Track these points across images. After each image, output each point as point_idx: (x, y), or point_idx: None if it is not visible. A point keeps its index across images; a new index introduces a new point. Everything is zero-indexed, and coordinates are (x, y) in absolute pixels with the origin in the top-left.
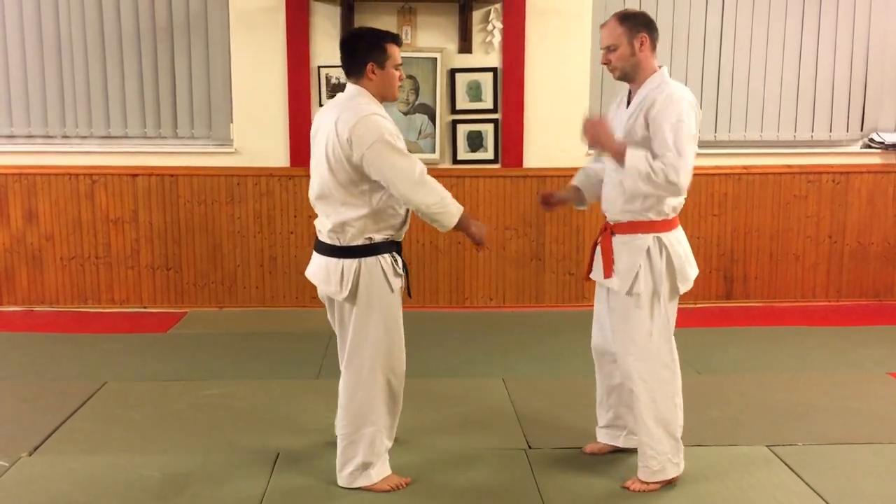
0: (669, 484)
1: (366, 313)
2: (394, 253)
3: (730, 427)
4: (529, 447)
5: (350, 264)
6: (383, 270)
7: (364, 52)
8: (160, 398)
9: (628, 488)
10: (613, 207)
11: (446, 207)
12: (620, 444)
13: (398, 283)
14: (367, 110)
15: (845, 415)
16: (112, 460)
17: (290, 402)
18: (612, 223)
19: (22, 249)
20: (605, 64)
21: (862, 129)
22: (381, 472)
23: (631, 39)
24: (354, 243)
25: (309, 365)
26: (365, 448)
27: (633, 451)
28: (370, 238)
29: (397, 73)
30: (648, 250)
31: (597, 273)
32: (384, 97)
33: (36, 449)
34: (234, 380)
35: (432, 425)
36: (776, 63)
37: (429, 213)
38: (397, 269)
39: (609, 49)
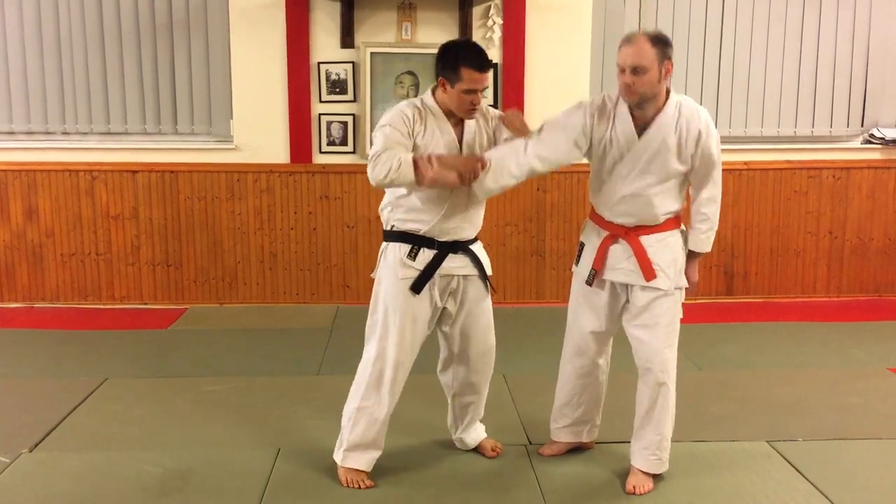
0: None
1: (375, 294)
2: (416, 246)
3: (730, 423)
4: (529, 442)
5: (383, 247)
6: (396, 258)
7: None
8: (161, 394)
9: (635, 492)
10: (628, 220)
11: (400, 168)
12: (584, 438)
13: (406, 274)
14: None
15: (845, 410)
16: (113, 456)
17: (290, 398)
18: (632, 226)
19: (22, 246)
20: (626, 85)
21: (862, 125)
22: (350, 458)
23: (661, 65)
24: (386, 228)
25: (310, 361)
26: (346, 423)
27: (592, 445)
28: (393, 225)
29: (467, 98)
30: (679, 247)
31: (619, 275)
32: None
33: (37, 445)
34: (234, 376)
35: (433, 421)
36: (776, 58)
37: (393, 182)
38: (409, 261)
39: (635, 70)
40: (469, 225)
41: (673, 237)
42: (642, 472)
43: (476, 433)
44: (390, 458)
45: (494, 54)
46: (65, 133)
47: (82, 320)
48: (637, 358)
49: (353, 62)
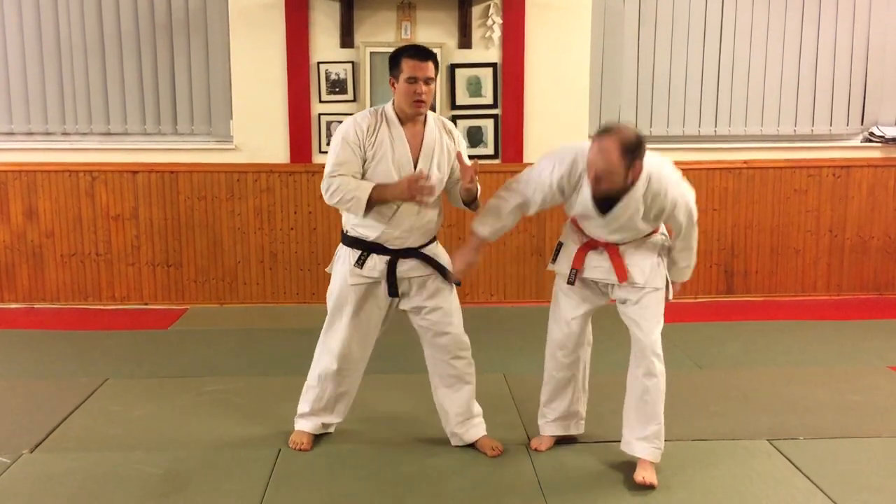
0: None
1: (330, 287)
2: (364, 253)
3: (730, 421)
4: (530, 441)
5: (338, 248)
6: (346, 263)
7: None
8: (161, 395)
9: (646, 483)
10: (621, 238)
11: (352, 202)
12: (572, 431)
13: (355, 280)
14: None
15: (846, 409)
16: (113, 457)
17: (291, 398)
18: (610, 242)
19: (22, 246)
20: (594, 182)
21: (862, 123)
22: (303, 423)
23: (626, 173)
24: (343, 230)
25: (310, 361)
26: (302, 398)
27: (577, 437)
28: (347, 230)
29: (411, 87)
30: (661, 246)
31: (598, 273)
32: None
33: (37, 446)
34: (234, 376)
35: (433, 420)
36: (776, 57)
37: (344, 209)
38: (357, 269)
39: (599, 176)
40: (419, 234)
41: (651, 240)
42: (650, 462)
43: (475, 429)
44: (390, 458)
45: (494, 54)
46: (65, 134)
47: (82, 321)
48: (632, 347)
49: (352, 62)
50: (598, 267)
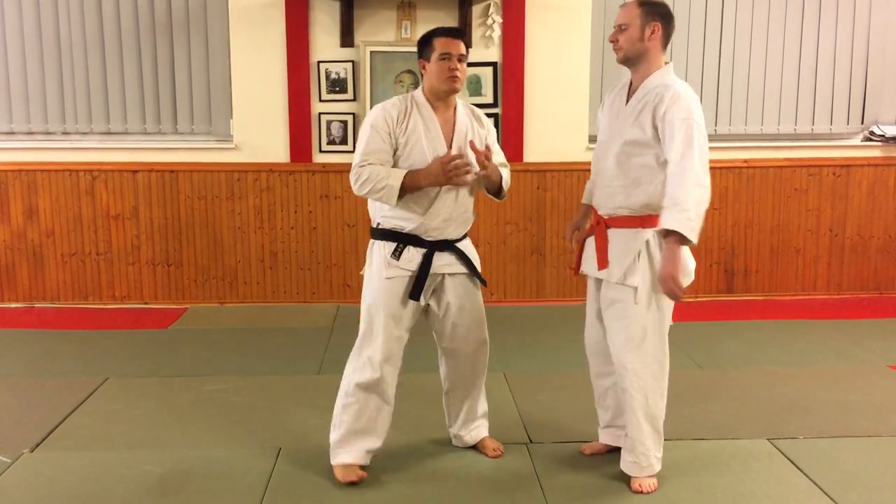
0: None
1: (364, 289)
2: (401, 244)
3: (731, 420)
4: (531, 441)
5: (370, 244)
6: (381, 256)
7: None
8: (162, 394)
9: (639, 490)
10: (611, 202)
11: (383, 191)
12: (621, 443)
13: (391, 273)
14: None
15: (846, 408)
16: (114, 456)
17: (291, 397)
18: (606, 217)
19: (23, 246)
20: (612, 41)
21: (862, 122)
22: (343, 455)
23: (644, 24)
24: (373, 225)
25: (310, 360)
26: (337, 422)
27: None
28: (379, 223)
29: (445, 64)
30: (648, 242)
31: (588, 266)
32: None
33: (38, 445)
34: (235, 375)
35: (433, 420)
36: (777, 56)
37: (374, 199)
38: (393, 260)
39: (620, 28)
40: (456, 224)
41: (640, 234)
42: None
43: (476, 431)
44: (391, 458)
45: (494, 53)
46: (65, 133)
47: (83, 320)
48: None
49: (352, 61)
50: (589, 258)
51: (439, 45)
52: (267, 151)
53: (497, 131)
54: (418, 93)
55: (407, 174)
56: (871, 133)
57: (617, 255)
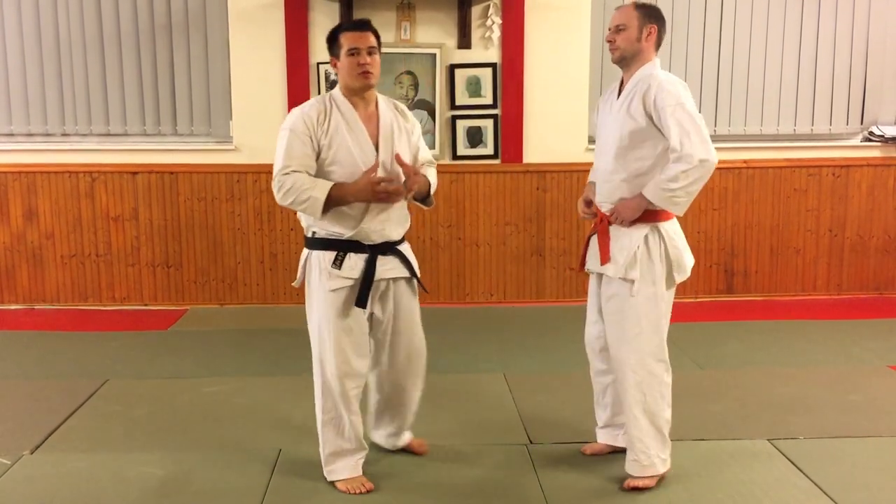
0: (660, 480)
1: (307, 304)
2: (341, 252)
3: (731, 421)
4: (531, 442)
5: (305, 255)
6: (321, 268)
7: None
8: (161, 395)
9: (628, 487)
10: (613, 197)
11: (307, 203)
12: (619, 443)
13: (335, 284)
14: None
15: (846, 408)
16: (113, 458)
17: (291, 398)
18: (608, 213)
19: (22, 248)
20: (609, 42)
21: (862, 123)
22: (339, 472)
23: (641, 25)
24: (307, 235)
25: (310, 361)
26: (322, 440)
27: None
28: (314, 232)
29: (354, 59)
30: (646, 237)
31: (592, 262)
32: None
33: (38, 447)
34: (235, 377)
35: (433, 421)
36: (776, 56)
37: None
38: (335, 270)
39: (617, 28)
40: (394, 224)
41: (639, 229)
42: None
43: (406, 435)
44: (389, 462)
45: (493, 54)
46: (64, 135)
47: (83, 322)
48: None
49: None
50: (593, 255)
51: (346, 40)
52: (266, 153)
53: (496, 132)
54: (336, 91)
55: (333, 186)
56: (871, 133)
57: (619, 250)
